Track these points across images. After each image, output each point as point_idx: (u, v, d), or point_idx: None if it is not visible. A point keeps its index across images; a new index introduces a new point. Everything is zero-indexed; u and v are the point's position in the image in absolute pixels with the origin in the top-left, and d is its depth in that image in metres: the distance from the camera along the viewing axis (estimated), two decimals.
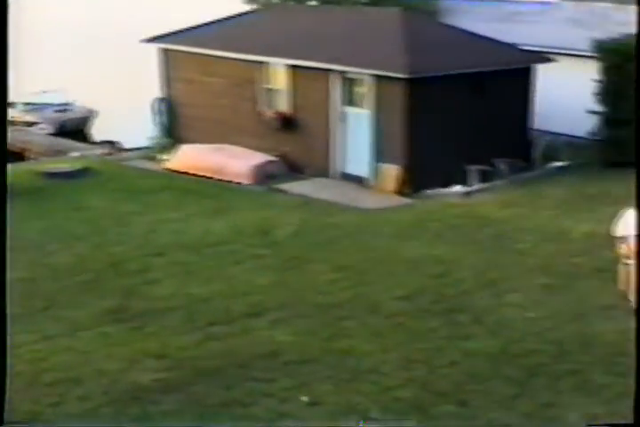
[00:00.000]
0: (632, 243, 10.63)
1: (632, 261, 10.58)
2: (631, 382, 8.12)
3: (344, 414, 7.64)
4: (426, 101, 18.11)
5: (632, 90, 19.64)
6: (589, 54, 20.84)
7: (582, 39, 20.85)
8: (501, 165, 19.50)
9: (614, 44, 20.22)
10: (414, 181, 18.02)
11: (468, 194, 17.78)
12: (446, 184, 18.29)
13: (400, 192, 17.94)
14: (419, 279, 11.31)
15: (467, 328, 9.60)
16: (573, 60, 22.26)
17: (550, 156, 21.03)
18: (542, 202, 15.94)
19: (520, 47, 21.69)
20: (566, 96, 21.77)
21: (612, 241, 11.37)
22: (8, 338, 5.88)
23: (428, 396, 7.99)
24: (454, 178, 18.47)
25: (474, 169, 18.74)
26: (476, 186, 18.44)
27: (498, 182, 18.69)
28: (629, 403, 7.76)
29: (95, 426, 7.69)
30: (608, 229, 11.83)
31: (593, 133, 20.91)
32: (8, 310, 5.86)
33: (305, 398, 8.03)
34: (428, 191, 17.93)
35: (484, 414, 7.63)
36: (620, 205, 12.47)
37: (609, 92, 20.31)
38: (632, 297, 10.23)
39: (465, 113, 19.00)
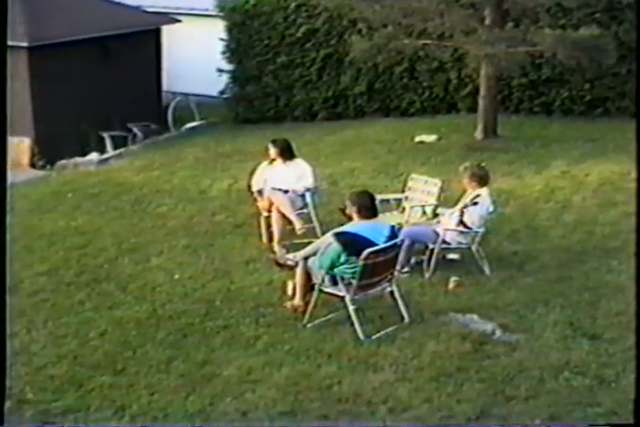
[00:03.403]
0: (268, 196, 10.93)
1: (269, 214, 10.89)
2: (278, 331, 8.44)
3: None
4: (51, 69, 17.60)
5: (255, 47, 20.40)
6: (215, 13, 21.13)
7: None
8: (136, 129, 19.41)
9: (234, 2, 20.61)
10: (48, 152, 17.52)
11: (104, 161, 17.52)
12: (84, 153, 17.95)
13: (34, 165, 17.43)
14: (60, 253, 10.94)
15: (114, 297, 9.43)
16: (201, 19, 22.48)
17: (184, 117, 21.20)
18: (179, 163, 15.96)
19: (146, 9, 21.58)
20: (197, 56, 22.00)
21: (250, 196, 11.61)
22: None
23: (82, 370, 7.80)
24: (91, 146, 18.17)
25: (108, 135, 18.51)
26: (112, 152, 18.24)
27: (134, 147, 18.59)
28: (276, 353, 8.02)
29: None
30: (244, 185, 12.09)
31: (223, 92, 21.31)
32: None
33: None
34: (64, 162, 17.48)
35: (141, 380, 7.57)
36: (253, 160, 12.80)
37: (234, 50, 20.73)
38: (276, 248, 10.52)
39: (95, 79, 18.70)
